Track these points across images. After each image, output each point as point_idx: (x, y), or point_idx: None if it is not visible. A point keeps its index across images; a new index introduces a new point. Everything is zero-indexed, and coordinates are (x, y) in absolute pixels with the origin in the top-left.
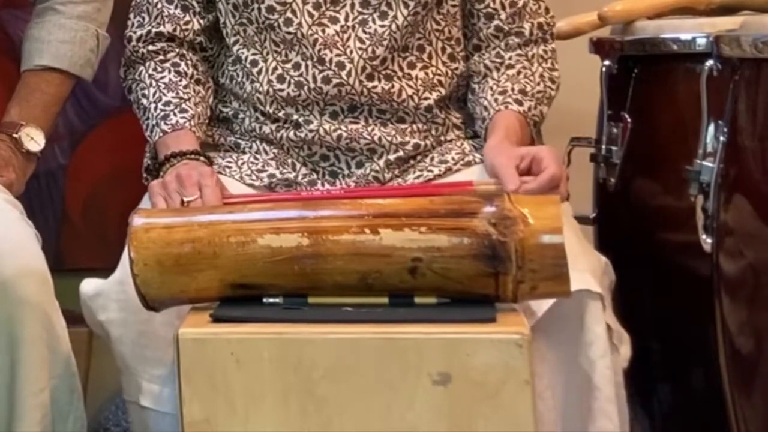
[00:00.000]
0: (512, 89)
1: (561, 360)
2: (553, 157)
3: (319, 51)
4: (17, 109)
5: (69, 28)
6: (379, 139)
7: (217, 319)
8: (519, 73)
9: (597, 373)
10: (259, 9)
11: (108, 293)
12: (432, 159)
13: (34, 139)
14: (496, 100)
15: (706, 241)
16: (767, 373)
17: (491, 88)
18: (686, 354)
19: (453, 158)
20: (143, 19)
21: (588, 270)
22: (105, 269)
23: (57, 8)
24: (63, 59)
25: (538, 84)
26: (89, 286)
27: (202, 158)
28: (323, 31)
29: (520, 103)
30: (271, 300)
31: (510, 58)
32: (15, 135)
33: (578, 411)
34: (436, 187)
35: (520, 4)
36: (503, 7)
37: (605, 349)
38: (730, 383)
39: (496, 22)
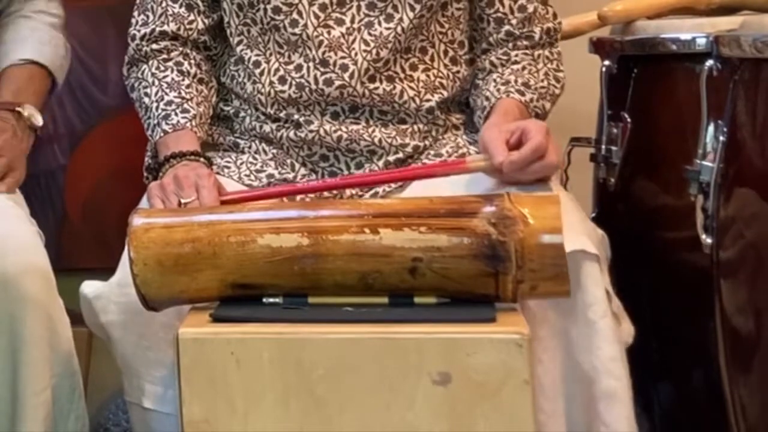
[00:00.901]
0: (515, 81)
1: (558, 321)
2: (538, 129)
3: (324, 53)
4: (9, 95)
5: (45, 32)
6: (380, 141)
7: (217, 319)
8: (524, 69)
9: (600, 333)
10: (265, 9)
11: (108, 295)
12: (427, 155)
13: (33, 116)
14: (498, 90)
15: (706, 240)
16: (763, 364)
17: (494, 81)
18: (686, 352)
19: (447, 152)
20: (147, 17)
21: (584, 234)
22: (105, 269)
23: (29, 15)
24: (45, 56)
25: (542, 80)
26: (89, 288)
27: (201, 159)
28: (329, 32)
29: (522, 93)
30: (271, 300)
31: (516, 56)
32: (18, 108)
33: (578, 374)
34: (429, 167)
35: (530, 9)
36: (512, 12)
37: (605, 310)
38: (728, 370)
39: (506, 27)
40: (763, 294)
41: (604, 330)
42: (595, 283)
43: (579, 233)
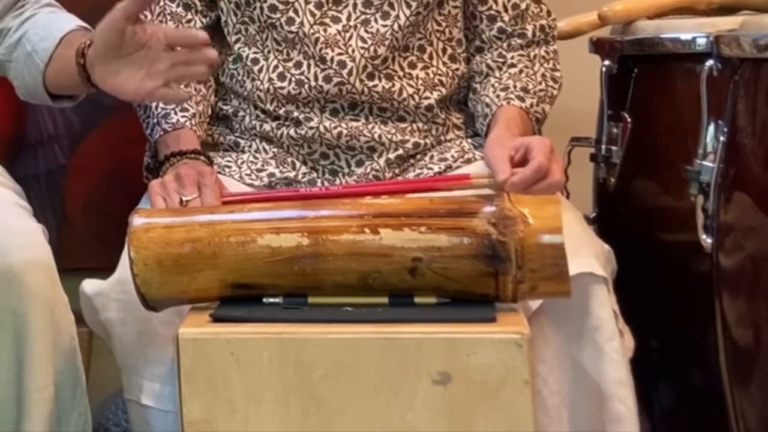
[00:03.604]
0: (514, 86)
1: (565, 344)
2: (541, 148)
3: (321, 50)
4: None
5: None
6: (379, 137)
7: (217, 319)
8: (521, 72)
9: (606, 357)
10: (261, 8)
11: (108, 293)
12: (432, 157)
13: None
14: (497, 96)
15: (706, 240)
16: (765, 368)
17: (493, 86)
18: (686, 353)
19: (452, 156)
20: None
21: (592, 255)
22: (105, 269)
23: (37, 10)
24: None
25: (540, 83)
26: (89, 286)
27: (201, 158)
28: (325, 30)
29: (522, 99)
30: (271, 300)
31: (512, 58)
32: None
33: (585, 396)
34: (433, 180)
35: (523, 6)
36: (506, 10)
37: (612, 332)
38: (729, 378)
39: (499, 24)
40: (763, 308)
41: (612, 353)
42: (602, 306)
43: (586, 255)
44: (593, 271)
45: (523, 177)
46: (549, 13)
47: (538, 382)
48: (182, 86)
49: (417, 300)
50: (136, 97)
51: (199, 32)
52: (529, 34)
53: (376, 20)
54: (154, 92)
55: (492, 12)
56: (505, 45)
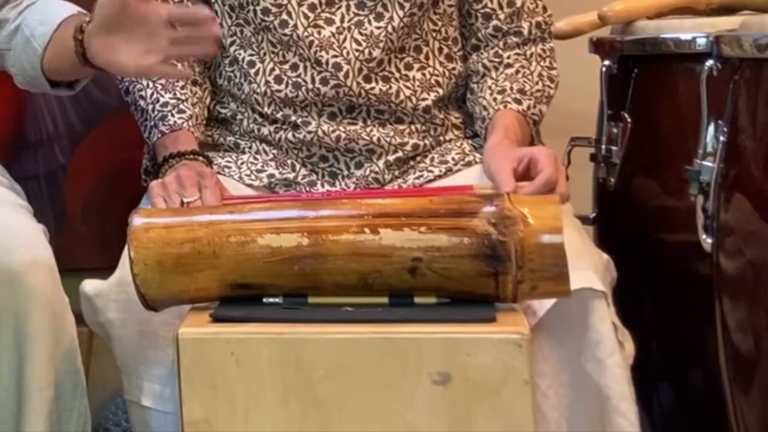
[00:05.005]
0: (511, 88)
1: (565, 358)
2: (549, 159)
3: (316, 53)
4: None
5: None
6: (378, 140)
7: (217, 319)
8: (518, 72)
9: (607, 372)
10: (255, 11)
11: (108, 294)
12: (432, 159)
13: None
14: (495, 99)
15: (706, 241)
16: (765, 374)
17: (490, 88)
18: (686, 354)
19: (453, 158)
20: None
21: (591, 268)
22: (105, 269)
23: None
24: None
25: (537, 83)
26: (89, 286)
27: (201, 158)
28: (319, 32)
29: (519, 102)
30: (271, 300)
31: (508, 57)
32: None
33: (586, 410)
34: (435, 190)
35: (519, 3)
36: (501, 7)
37: (613, 347)
38: (730, 381)
39: (494, 22)
40: (763, 314)
41: (613, 368)
42: (602, 321)
43: (585, 268)
44: (593, 287)
45: (534, 188)
46: (545, 9)
47: (538, 396)
48: (182, 65)
49: (417, 300)
50: (135, 71)
51: (201, 10)
52: (525, 31)
53: (369, 22)
54: (155, 67)
55: (487, 10)
56: (501, 43)
